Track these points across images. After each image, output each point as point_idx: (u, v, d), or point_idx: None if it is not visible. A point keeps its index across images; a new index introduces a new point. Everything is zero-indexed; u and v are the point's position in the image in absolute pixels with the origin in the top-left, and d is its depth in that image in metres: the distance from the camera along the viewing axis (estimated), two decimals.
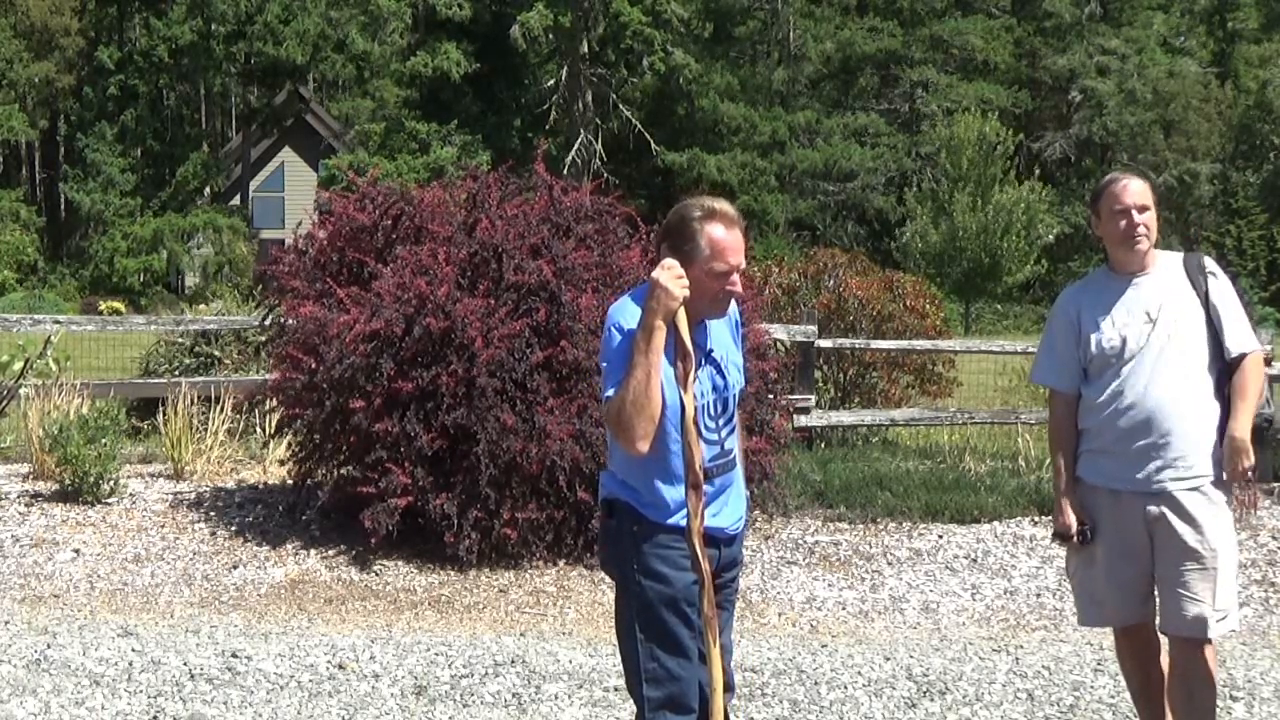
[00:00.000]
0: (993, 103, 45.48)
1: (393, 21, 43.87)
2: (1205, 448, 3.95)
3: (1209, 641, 4.00)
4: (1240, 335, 4.00)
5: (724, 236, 3.22)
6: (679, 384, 3.17)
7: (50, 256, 46.92)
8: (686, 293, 3.15)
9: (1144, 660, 4.22)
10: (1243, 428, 3.93)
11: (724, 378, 3.36)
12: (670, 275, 3.14)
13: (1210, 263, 4.10)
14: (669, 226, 3.30)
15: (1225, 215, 46.37)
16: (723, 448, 3.35)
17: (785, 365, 9.74)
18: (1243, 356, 3.98)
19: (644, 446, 3.15)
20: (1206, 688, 4.03)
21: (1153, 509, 3.95)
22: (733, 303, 3.41)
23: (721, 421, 3.35)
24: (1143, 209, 4.00)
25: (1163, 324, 3.98)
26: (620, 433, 3.17)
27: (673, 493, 3.24)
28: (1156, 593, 4.07)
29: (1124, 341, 4.00)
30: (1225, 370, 3.99)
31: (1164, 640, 4.15)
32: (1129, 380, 3.98)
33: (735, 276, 3.25)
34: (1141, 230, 4.00)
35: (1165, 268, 4.09)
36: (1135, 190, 4.02)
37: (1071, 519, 4.10)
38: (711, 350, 3.35)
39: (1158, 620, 4.10)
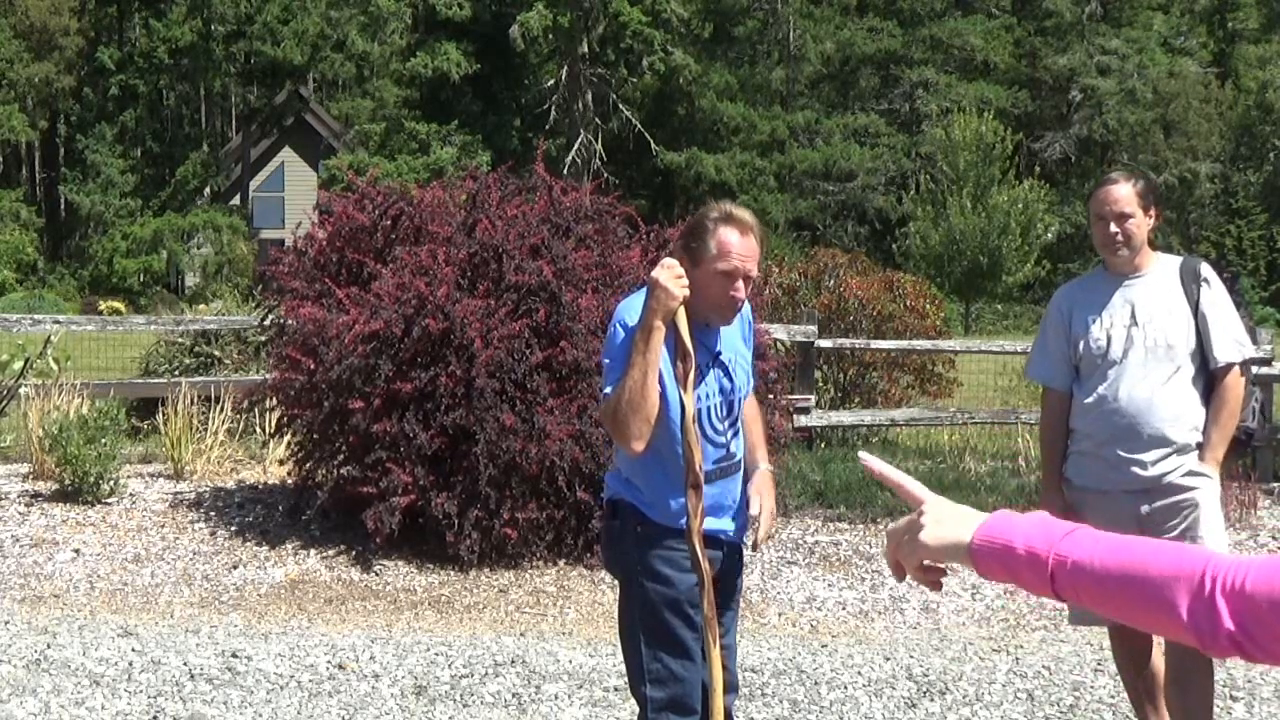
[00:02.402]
0: (992, 103, 45.45)
1: (392, 22, 43.87)
2: (1190, 450, 3.97)
3: None
4: (1225, 346, 4.00)
5: (732, 239, 3.21)
6: (679, 384, 3.17)
7: (50, 257, 46.94)
8: (686, 292, 3.14)
9: (1138, 661, 4.23)
10: (1213, 458, 3.98)
11: (731, 380, 3.35)
12: (670, 275, 3.13)
13: (1206, 269, 4.10)
14: (687, 225, 3.33)
15: (1225, 215, 46.36)
16: (728, 450, 3.35)
17: (785, 365, 9.74)
18: (1226, 368, 4.00)
19: (639, 446, 3.15)
20: (1202, 684, 4.04)
21: (1143, 508, 3.97)
22: (746, 304, 3.41)
23: (727, 424, 3.35)
24: (1123, 217, 4.00)
25: (1148, 329, 4.00)
26: (616, 432, 3.18)
27: (676, 493, 3.24)
28: None
29: (1109, 343, 4.02)
30: (1210, 378, 4.02)
31: (1162, 640, 4.16)
32: (1115, 383, 4.00)
33: (740, 284, 3.23)
34: (1119, 239, 4.01)
35: (1160, 271, 4.09)
36: (1118, 197, 4.01)
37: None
38: (720, 352, 3.34)
39: None
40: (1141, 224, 4.03)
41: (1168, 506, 3.96)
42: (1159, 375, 3.97)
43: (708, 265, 3.21)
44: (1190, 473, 3.96)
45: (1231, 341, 4.02)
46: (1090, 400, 4.04)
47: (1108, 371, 4.01)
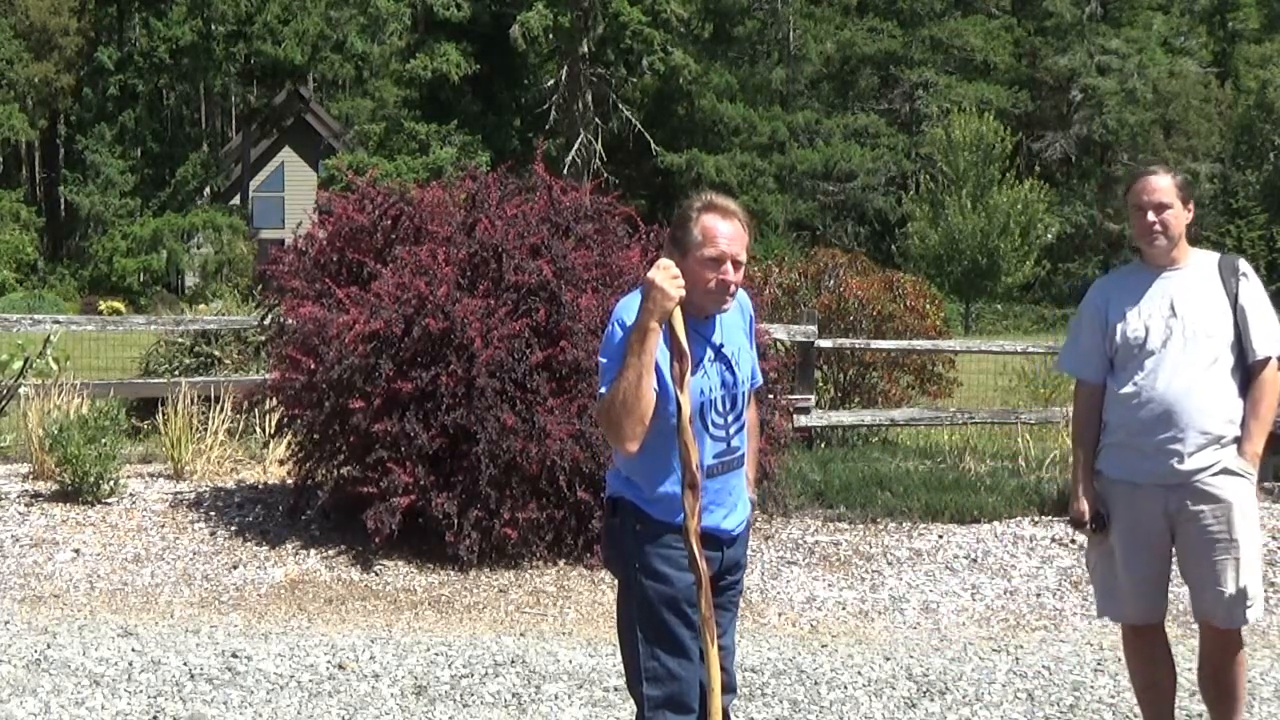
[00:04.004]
0: (992, 103, 45.48)
1: (392, 23, 43.86)
2: (1225, 443, 3.95)
3: (1237, 629, 4.02)
4: (1265, 338, 3.99)
5: (717, 224, 3.23)
6: (675, 384, 3.17)
7: (50, 257, 46.96)
8: (682, 292, 3.14)
9: (1152, 660, 4.22)
10: (1252, 452, 3.96)
11: (734, 374, 3.35)
12: (666, 275, 3.13)
13: (1244, 265, 4.12)
14: (673, 221, 3.34)
15: (1225, 215, 46.37)
16: (729, 444, 3.35)
17: (785, 365, 9.74)
18: (1265, 361, 3.99)
19: (633, 447, 3.15)
20: (1234, 674, 4.09)
21: (1174, 502, 3.96)
22: (744, 296, 3.40)
23: (731, 418, 3.35)
24: (1161, 207, 4.02)
25: (1187, 320, 3.99)
26: (610, 432, 3.18)
27: (677, 491, 3.23)
28: (1186, 584, 4.09)
29: (1147, 334, 4.02)
30: (1249, 371, 4.00)
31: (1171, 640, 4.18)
32: (1151, 374, 3.99)
33: (729, 266, 3.23)
34: (1157, 228, 4.03)
35: (1198, 265, 4.10)
36: (1156, 187, 4.04)
37: (1085, 506, 4.12)
38: (722, 346, 3.34)
39: (1190, 609, 4.15)
40: (1180, 215, 4.05)
41: (1201, 507, 3.94)
42: (1197, 366, 3.95)
43: (695, 253, 3.22)
44: (1225, 470, 3.93)
45: (1271, 335, 4.01)
46: (1127, 390, 4.03)
47: (1145, 361, 4.00)
